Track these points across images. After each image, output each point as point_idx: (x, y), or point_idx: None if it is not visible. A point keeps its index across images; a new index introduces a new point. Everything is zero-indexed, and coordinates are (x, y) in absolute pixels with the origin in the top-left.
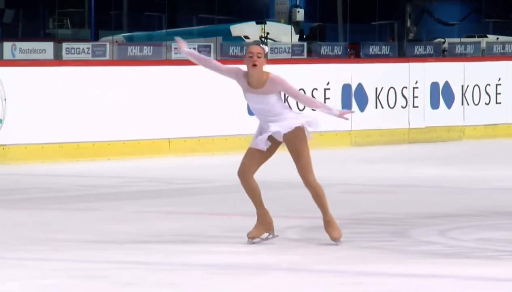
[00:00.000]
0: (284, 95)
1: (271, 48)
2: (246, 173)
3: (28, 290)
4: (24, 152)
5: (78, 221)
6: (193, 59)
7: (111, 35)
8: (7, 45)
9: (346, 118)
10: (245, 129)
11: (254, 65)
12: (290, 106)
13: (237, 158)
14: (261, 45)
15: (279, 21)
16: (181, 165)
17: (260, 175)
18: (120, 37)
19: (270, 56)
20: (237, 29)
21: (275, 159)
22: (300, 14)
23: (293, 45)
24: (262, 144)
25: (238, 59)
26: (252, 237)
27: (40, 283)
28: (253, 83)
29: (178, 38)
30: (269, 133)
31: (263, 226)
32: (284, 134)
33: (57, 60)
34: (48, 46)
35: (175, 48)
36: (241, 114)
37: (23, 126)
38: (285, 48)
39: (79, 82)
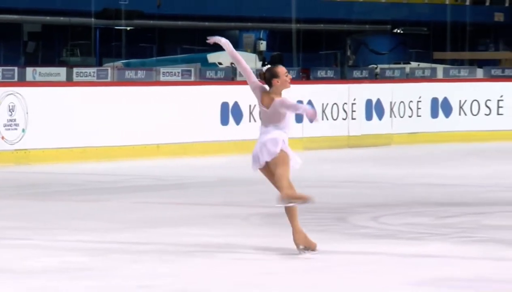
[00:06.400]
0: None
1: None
2: None
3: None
4: (42, 154)
5: (89, 210)
6: (228, 52)
7: (112, 62)
8: (29, 70)
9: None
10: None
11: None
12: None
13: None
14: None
15: (246, 51)
16: (169, 165)
17: None
18: (119, 63)
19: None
20: (213, 57)
21: None
22: (263, 45)
23: (257, 70)
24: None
25: (213, 81)
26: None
27: (62, 260)
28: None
29: (213, 38)
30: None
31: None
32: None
33: (69, 81)
34: (62, 70)
35: (164, 72)
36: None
37: (42, 134)
38: None
39: (87, 99)
